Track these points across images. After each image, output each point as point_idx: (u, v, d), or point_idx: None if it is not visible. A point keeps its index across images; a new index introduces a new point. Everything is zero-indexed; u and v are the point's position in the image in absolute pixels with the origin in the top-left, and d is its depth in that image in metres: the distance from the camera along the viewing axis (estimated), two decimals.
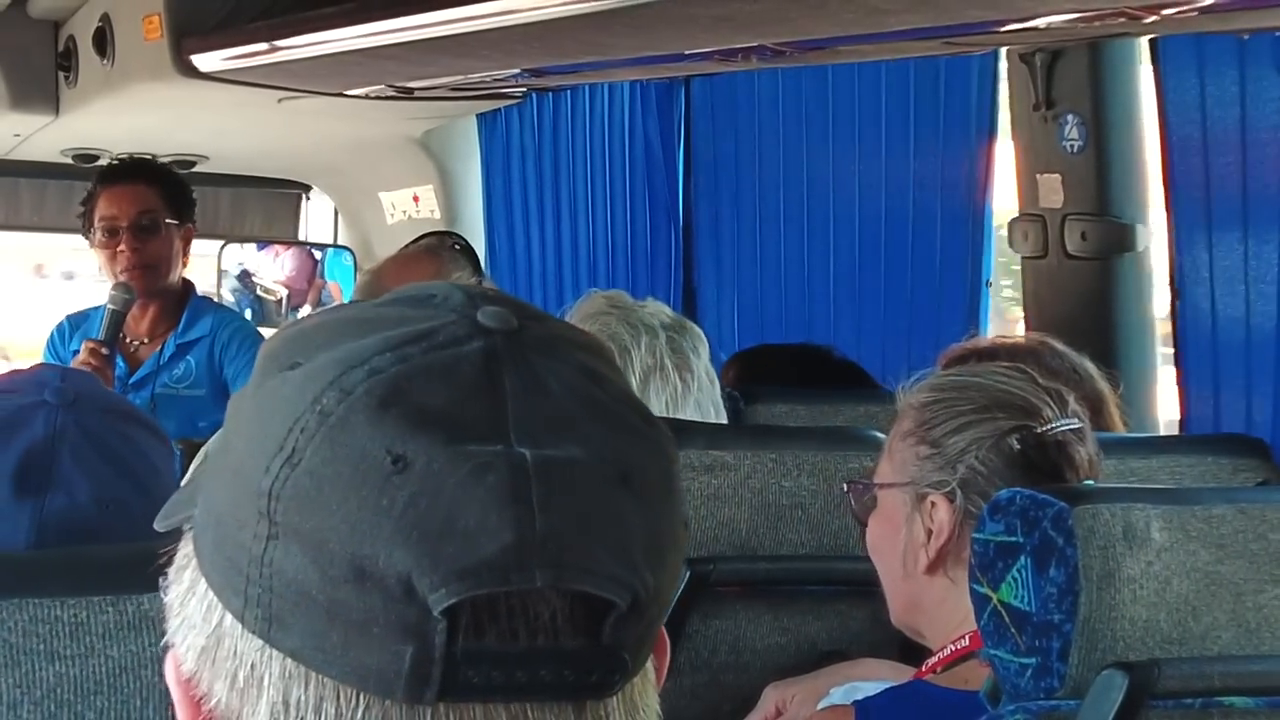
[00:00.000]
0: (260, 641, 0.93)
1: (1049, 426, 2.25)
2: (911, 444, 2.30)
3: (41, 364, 1.90)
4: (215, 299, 5.54)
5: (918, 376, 2.39)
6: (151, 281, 4.66)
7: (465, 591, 0.88)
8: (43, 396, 1.73)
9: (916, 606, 2.32)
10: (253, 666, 0.93)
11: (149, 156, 5.41)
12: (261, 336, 4.82)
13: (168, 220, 4.66)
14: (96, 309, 4.69)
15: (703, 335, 2.95)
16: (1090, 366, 3.06)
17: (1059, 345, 3.08)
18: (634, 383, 2.83)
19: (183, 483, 1.11)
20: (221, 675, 0.95)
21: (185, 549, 1.00)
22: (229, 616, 0.94)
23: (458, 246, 4.37)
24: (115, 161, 4.86)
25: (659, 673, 1.00)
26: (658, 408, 2.81)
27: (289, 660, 0.92)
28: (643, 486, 0.94)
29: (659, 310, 2.95)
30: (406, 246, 4.43)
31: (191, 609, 0.98)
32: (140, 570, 1.47)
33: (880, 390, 3.57)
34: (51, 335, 4.90)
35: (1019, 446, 2.24)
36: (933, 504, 2.26)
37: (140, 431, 1.78)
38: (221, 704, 0.95)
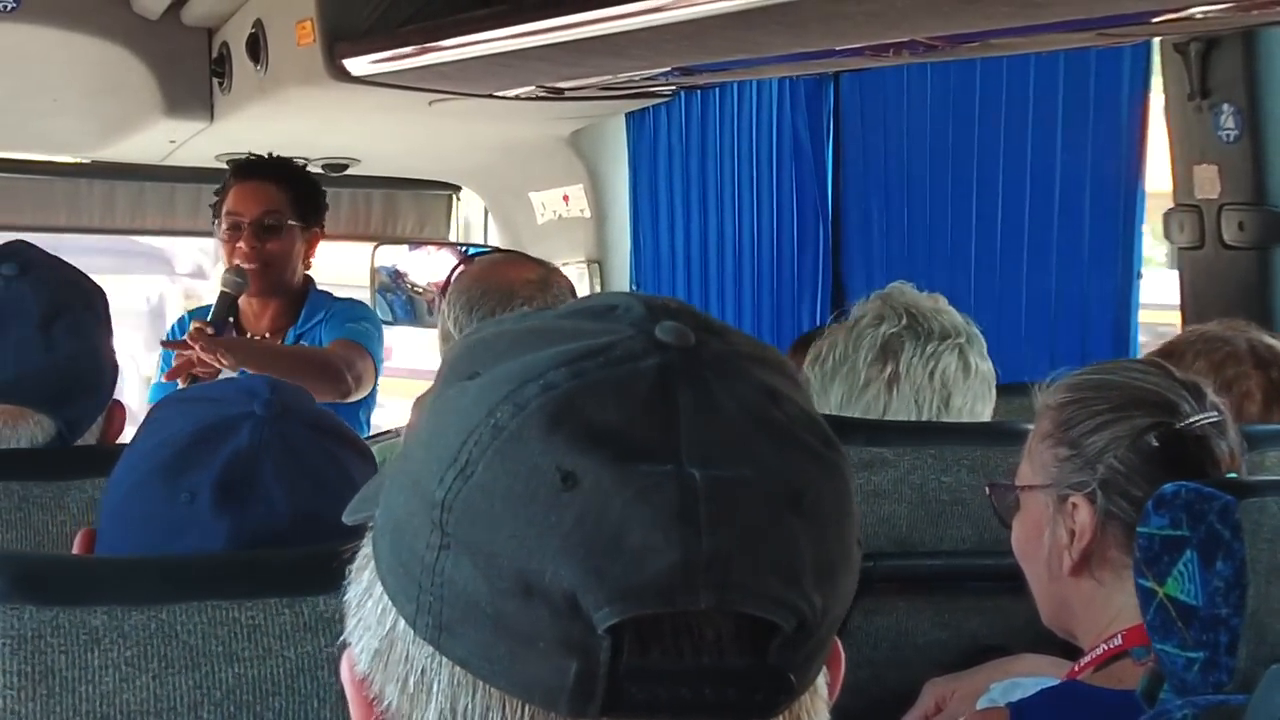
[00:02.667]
0: (431, 648, 0.94)
1: (1187, 422, 2.22)
2: (1050, 445, 2.29)
3: (253, 375, 1.91)
4: (368, 298, 5.59)
5: (1054, 376, 2.37)
6: (268, 278, 4.69)
7: (629, 611, 0.89)
8: (251, 407, 1.74)
9: (1066, 608, 2.31)
10: (423, 672, 0.95)
11: (302, 160, 5.46)
12: (367, 311, 4.85)
13: (291, 221, 4.69)
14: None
15: (965, 357, 2.92)
16: None
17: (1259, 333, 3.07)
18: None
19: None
20: (393, 679, 0.97)
21: (366, 549, 1.02)
22: (402, 621, 0.96)
23: None
24: (251, 157, 4.88)
25: (832, 685, 1.00)
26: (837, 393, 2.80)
27: (458, 669, 0.94)
28: (814, 508, 0.94)
29: (922, 308, 2.93)
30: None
31: (368, 610, 1.00)
32: (316, 572, 1.50)
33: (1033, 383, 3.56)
34: (172, 329, 4.93)
35: (1158, 444, 2.21)
36: (1074, 505, 2.24)
37: (344, 449, 1.79)
38: (393, 707, 0.97)
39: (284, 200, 4.70)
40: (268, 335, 4.74)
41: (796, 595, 0.92)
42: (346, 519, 1.07)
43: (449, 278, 3.83)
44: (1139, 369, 2.33)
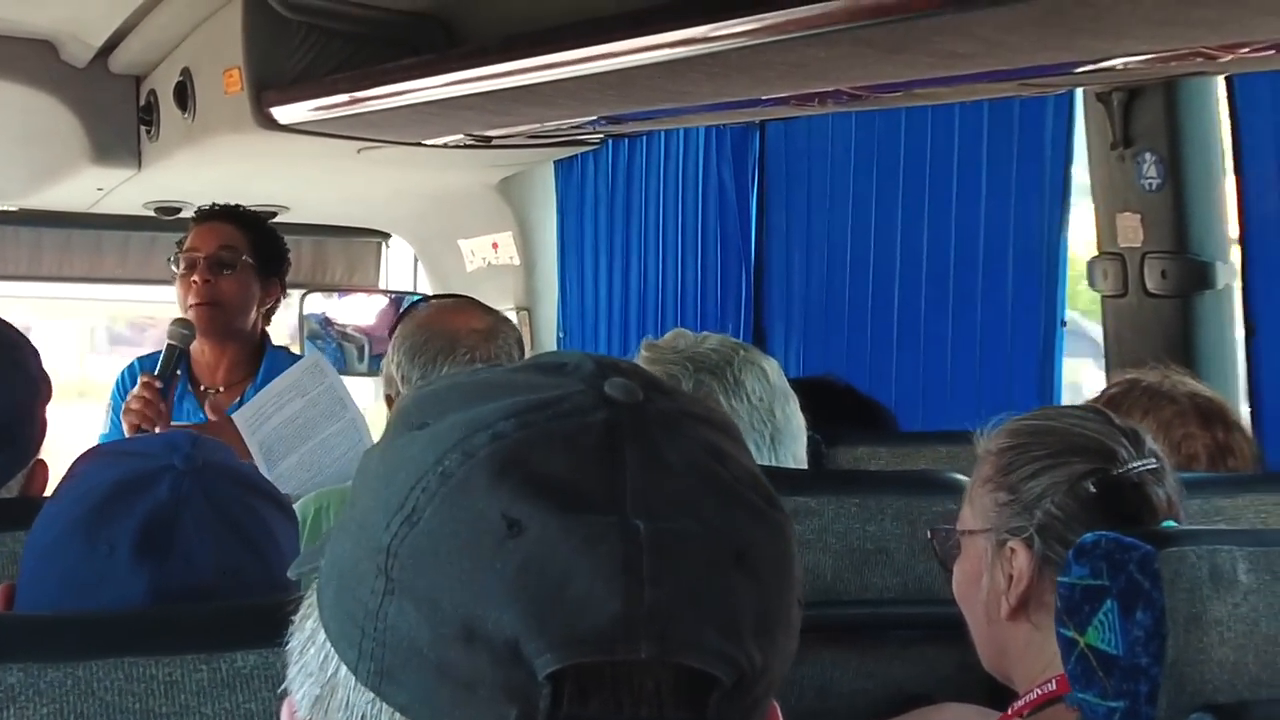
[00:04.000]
0: (372, 694, 0.94)
1: (1124, 468, 2.24)
2: (990, 490, 2.30)
3: (174, 429, 1.91)
4: (295, 346, 5.56)
5: (995, 422, 2.38)
6: (219, 319, 4.59)
7: (570, 658, 0.89)
8: (171, 461, 1.73)
9: (1003, 652, 2.32)
10: (363, 718, 0.95)
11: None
12: None
13: (247, 259, 4.59)
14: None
15: (759, 370, 2.89)
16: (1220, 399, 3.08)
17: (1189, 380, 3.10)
18: None
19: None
20: None
21: (310, 599, 1.02)
22: (344, 668, 0.96)
23: None
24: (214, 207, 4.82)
25: None
26: None
27: (398, 715, 0.94)
28: (756, 565, 0.95)
29: (697, 346, 2.91)
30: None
31: (310, 657, 1.00)
32: (234, 629, 1.49)
33: (958, 431, 3.57)
34: (121, 375, 4.84)
35: (1095, 490, 2.22)
36: (1012, 550, 2.26)
37: (265, 503, 1.78)
38: None
39: (242, 240, 4.60)
40: (222, 389, 4.66)
41: (736, 649, 0.92)
42: (292, 573, 1.08)
43: (397, 320, 3.79)
44: (1079, 415, 2.34)
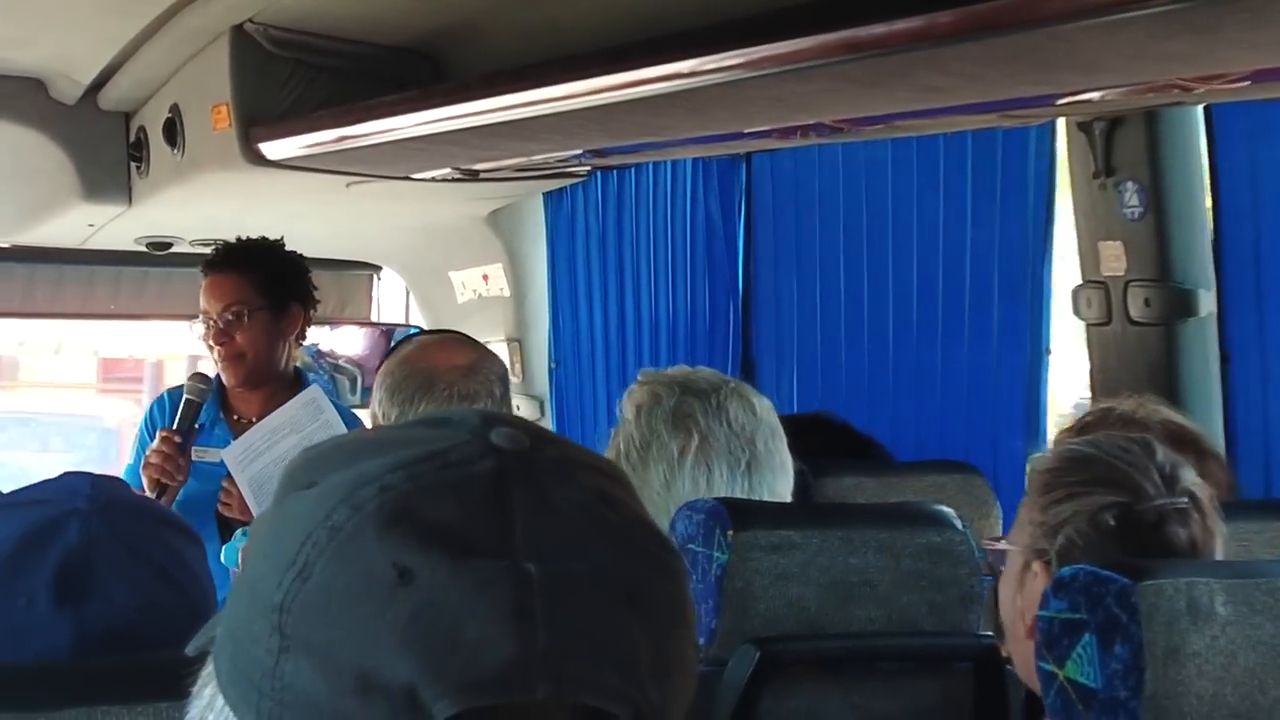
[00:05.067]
0: None
1: (1147, 504, 2.25)
2: (1029, 509, 2.34)
3: (69, 471, 1.88)
4: None
5: (1056, 442, 2.42)
6: (244, 370, 4.60)
7: (468, 702, 0.90)
8: (74, 504, 1.72)
9: (1027, 668, 2.33)
10: None
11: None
12: (356, 420, 4.74)
13: (257, 309, 4.58)
14: None
15: (745, 402, 2.90)
16: (1195, 427, 3.09)
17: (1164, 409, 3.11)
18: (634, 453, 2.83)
19: None
20: None
21: (208, 668, 1.02)
22: None
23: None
24: (218, 247, 4.79)
25: None
26: (655, 477, 2.81)
27: None
28: (649, 605, 0.96)
29: (691, 374, 2.93)
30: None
31: None
32: (157, 679, 1.47)
33: (944, 461, 3.58)
34: (150, 409, 4.84)
35: (1114, 522, 2.25)
36: (1035, 572, 2.29)
37: (172, 533, 1.78)
38: None
39: (247, 289, 4.58)
40: (254, 420, 4.65)
41: (633, 688, 0.93)
42: (191, 651, 1.07)
43: (386, 355, 3.80)
44: (1122, 446, 2.34)
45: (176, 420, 4.53)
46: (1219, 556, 2.30)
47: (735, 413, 2.83)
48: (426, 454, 0.97)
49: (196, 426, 4.56)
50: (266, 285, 4.64)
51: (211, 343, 4.58)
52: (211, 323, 4.59)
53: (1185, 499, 2.28)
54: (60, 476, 1.85)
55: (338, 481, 0.97)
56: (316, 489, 0.98)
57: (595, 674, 0.92)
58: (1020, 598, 2.32)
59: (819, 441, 3.56)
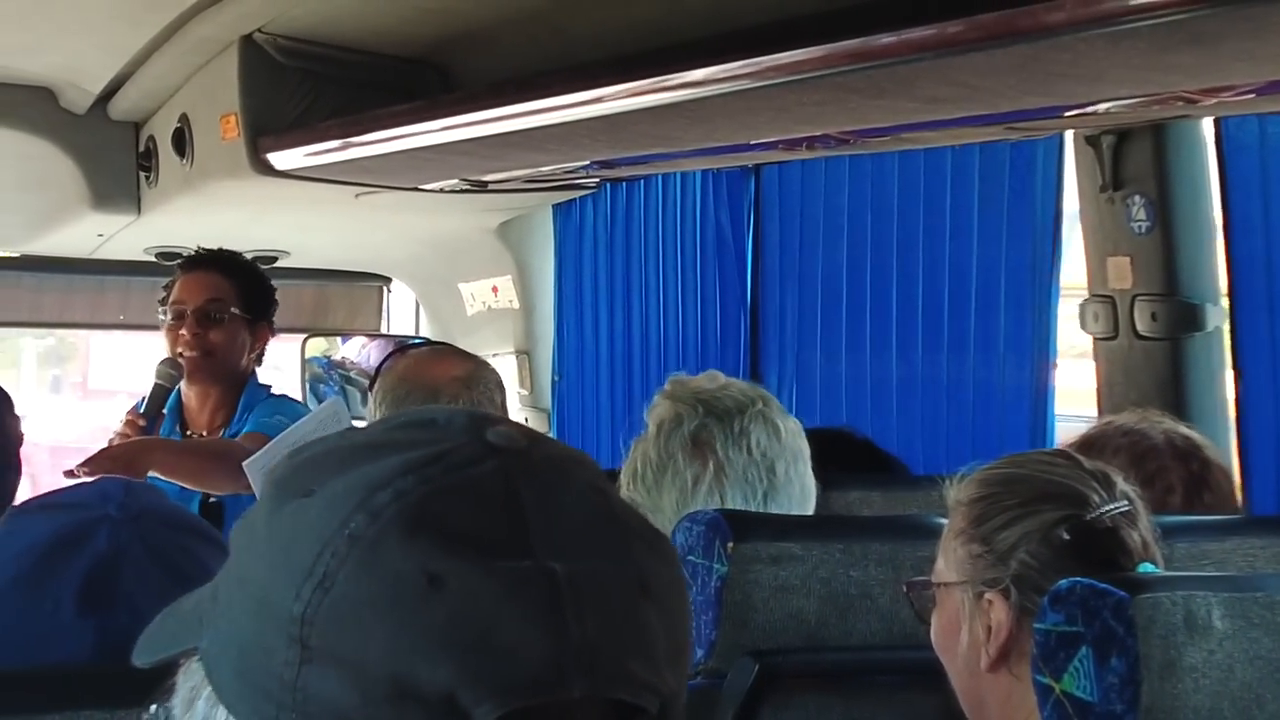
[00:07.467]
0: None
1: (1097, 513, 2.23)
2: (964, 542, 2.29)
3: (104, 476, 1.89)
4: (299, 389, 5.56)
5: (964, 472, 2.37)
6: (207, 368, 4.58)
7: (510, 704, 0.90)
8: (106, 510, 1.73)
9: (983, 704, 2.30)
10: None
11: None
12: (289, 406, 4.68)
13: (234, 311, 4.59)
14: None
15: (772, 426, 2.88)
16: (1198, 437, 3.07)
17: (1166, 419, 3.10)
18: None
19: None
20: None
21: (190, 682, 1.01)
22: None
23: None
24: (200, 251, 4.81)
25: None
26: (668, 502, 2.80)
27: None
28: (660, 593, 0.97)
29: (717, 390, 2.91)
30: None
31: None
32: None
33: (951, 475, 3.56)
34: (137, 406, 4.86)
35: (1068, 536, 2.21)
36: (989, 602, 2.24)
37: (202, 544, 1.77)
38: None
39: (229, 290, 4.60)
40: (205, 433, 4.63)
41: (657, 678, 0.94)
42: (139, 661, 1.07)
43: (377, 371, 3.79)
44: (1046, 460, 2.32)
45: (145, 404, 4.50)
46: (1159, 557, 2.28)
47: (758, 438, 2.81)
48: (430, 456, 0.97)
49: (163, 412, 4.53)
50: (245, 295, 4.65)
51: (185, 333, 4.56)
52: (189, 314, 4.56)
53: (1126, 501, 2.26)
54: (97, 481, 1.85)
55: (342, 488, 0.97)
56: (319, 496, 0.97)
57: (625, 668, 0.93)
58: (973, 632, 2.28)
59: (840, 457, 3.55)
